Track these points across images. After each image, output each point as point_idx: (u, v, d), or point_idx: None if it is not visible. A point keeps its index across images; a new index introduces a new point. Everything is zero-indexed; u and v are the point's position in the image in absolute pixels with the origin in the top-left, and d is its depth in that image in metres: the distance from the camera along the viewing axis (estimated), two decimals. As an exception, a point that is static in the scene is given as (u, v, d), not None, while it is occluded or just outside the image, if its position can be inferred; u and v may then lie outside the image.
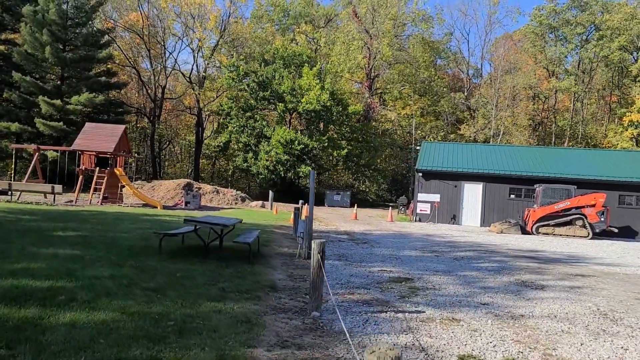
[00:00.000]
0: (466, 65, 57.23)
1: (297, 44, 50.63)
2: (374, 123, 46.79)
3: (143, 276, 7.59)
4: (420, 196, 26.60)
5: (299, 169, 37.77)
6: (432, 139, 45.60)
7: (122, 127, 26.58)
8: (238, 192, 33.94)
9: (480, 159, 27.46)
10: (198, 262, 9.24)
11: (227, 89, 43.91)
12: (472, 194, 26.19)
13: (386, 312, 6.95)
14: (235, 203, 31.35)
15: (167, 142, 54.78)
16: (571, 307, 8.03)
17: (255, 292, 7.33)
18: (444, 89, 52.49)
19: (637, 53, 47.56)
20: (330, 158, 42.06)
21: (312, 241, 6.46)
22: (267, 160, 37.90)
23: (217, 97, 47.44)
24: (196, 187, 31.28)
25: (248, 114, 40.56)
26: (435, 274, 10.28)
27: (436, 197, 26.32)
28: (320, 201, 38.62)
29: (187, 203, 26.37)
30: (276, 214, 25.73)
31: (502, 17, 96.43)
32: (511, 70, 49.76)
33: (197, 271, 8.36)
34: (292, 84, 38.31)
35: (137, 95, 53.47)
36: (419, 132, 51.52)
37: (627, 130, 45.86)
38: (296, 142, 36.27)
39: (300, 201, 20.82)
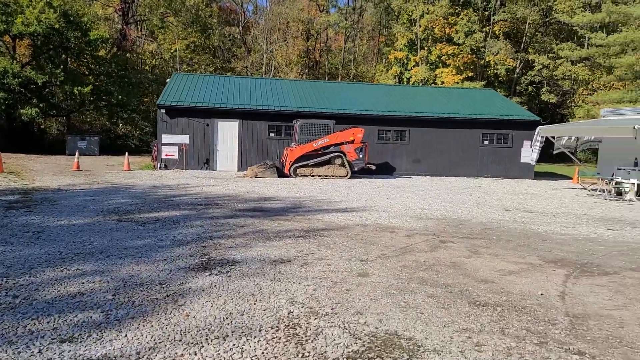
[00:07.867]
0: (240, -4, 52.57)
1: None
2: (128, 55, 39.63)
3: None
4: (165, 138, 21.84)
5: (22, 110, 29.38)
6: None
7: None
8: None
9: (236, 93, 23.66)
10: None
11: None
12: (228, 133, 22.41)
13: None
14: None
15: None
16: (242, 319, 4.43)
17: None
18: (214, 21, 47.23)
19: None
20: (73, 97, 34.18)
21: None
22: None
23: None
24: None
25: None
26: (62, 263, 5.98)
27: (185, 139, 21.90)
28: (61, 149, 31.29)
29: None
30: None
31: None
32: (284, 2, 46.78)
33: None
34: (2, -4, 29.10)
35: None
36: (187, 67, 45.84)
37: (392, 68, 47.09)
38: (10, 74, 27.71)
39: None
